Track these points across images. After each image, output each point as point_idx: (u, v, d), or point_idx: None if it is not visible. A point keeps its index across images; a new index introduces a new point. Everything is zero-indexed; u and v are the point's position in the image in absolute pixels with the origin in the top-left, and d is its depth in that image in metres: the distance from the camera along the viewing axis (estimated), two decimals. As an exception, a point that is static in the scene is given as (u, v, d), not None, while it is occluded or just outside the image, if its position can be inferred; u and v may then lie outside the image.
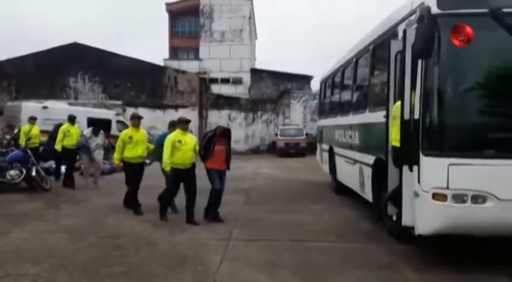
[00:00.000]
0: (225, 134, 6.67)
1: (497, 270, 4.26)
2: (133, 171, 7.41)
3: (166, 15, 34.09)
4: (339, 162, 8.70)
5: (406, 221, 4.50)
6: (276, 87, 28.15)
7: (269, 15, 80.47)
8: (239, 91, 28.24)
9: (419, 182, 4.20)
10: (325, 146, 10.27)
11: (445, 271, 4.28)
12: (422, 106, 4.20)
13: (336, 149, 8.95)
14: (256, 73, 29.34)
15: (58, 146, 10.06)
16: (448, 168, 3.96)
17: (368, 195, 6.32)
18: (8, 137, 12.62)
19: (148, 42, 56.22)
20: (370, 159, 6.03)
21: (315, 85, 26.91)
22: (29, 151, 9.82)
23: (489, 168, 3.95)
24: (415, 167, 4.28)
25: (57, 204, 8.11)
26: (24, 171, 9.35)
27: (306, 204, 8.07)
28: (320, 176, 11.32)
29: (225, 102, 25.50)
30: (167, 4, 33.52)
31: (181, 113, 23.07)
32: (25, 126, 11.39)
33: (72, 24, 73.76)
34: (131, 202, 7.37)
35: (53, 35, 62.42)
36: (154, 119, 21.06)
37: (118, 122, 18.24)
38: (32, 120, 11.56)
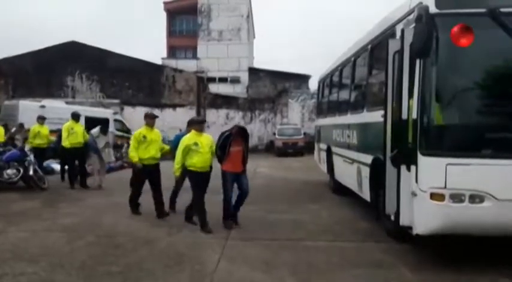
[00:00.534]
0: (241, 133, 6.24)
1: (494, 269, 4.27)
2: (144, 172, 6.85)
3: (164, 14, 34.04)
4: (337, 161, 8.70)
5: (404, 220, 4.52)
6: (274, 87, 28.10)
7: (267, 14, 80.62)
8: (237, 90, 28.21)
9: (417, 181, 4.21)
10: (323, 146, 10.27)
11: (442, 270, 4.29)
12: (420, 106, 4.20)
13: (334, 149, 8.95)
14: (254, 72, 29.31)
15: (66, 143, 9.89)
16: (445, 168, 3.96)
17: (366, 194, 6.32)
18: (18, 136, 12.47)
19: (146, 41, 56.35)
20: (368, 158, 6.04)
21: (313, 84, 27.06)
22: (27, 151, 9.78)
23: (487, 168, 3.96)
24: (412, 167, 4.30)
25: (55, 203, 8.10)
26: (22, 170, 9.34)
27: (303, 204, 8.07)
28: (318, 176, 11.31)
29: (223, 101, 25.42)
30: (165, 3, 33.46)
31: (179, 112, 23.16)
32: (34, 127, 11.15)
33: (69, 23, 73.59)
34: (130, 202, 7.11)
35: (50, 33, 62.46)
36: (152, 118, 20.96)
37: (115, 120, 18.21)
38: (41, 119, 11.29)
